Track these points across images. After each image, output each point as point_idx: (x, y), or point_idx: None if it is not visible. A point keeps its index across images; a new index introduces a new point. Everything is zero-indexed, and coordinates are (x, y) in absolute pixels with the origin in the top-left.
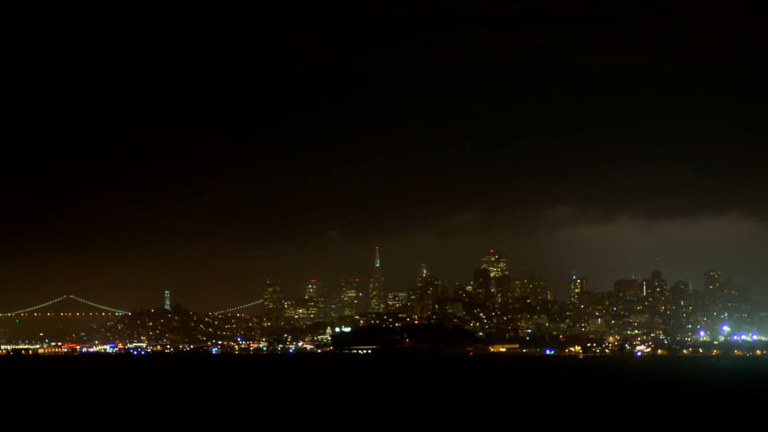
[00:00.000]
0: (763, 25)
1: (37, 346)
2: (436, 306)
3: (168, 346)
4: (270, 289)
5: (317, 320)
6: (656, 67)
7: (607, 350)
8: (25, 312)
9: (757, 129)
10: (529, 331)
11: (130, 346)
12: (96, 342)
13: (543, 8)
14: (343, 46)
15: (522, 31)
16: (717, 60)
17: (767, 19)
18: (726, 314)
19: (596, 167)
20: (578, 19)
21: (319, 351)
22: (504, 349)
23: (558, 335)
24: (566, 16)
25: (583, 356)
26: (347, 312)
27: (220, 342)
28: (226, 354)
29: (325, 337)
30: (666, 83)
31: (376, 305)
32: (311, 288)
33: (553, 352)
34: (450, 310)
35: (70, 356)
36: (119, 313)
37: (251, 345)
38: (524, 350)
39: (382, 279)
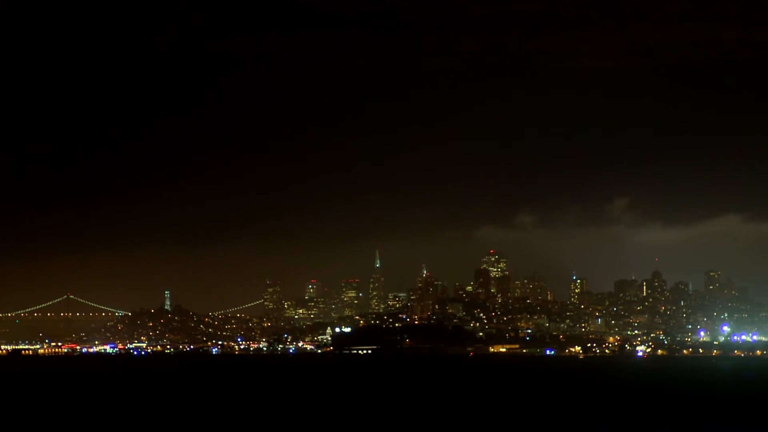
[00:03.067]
0: (722, 28)
1: (37, 346)
2: (436, 306)
3: (168, 347)
4: (270, 290)
5: (317, 320)
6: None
7: (607, 350)
8: (25, 312)
9: (737, 130)
10: (529, 331)
11: (130, 346)
12: (96, 342)
13: (504, 12)
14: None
15: (484, 34)
16: (676, 64)
17: (725, 22)
18: (726, 314)
19: (595, 167)
20: (539, 24)
21: (319, 351)
22: (504, 350)
23: (558, 335)
24: (528, 21)
25: (583, 356)
26: (347, 312)
27: (220, 342)
28: (226, 354)
29: (325, 337)
30: (632, 86)
31: (376, 305)
32: (311, 288)
33: (553, 352)
34: (450, 311)
35: (70, 356)
36: (119, 313)
37: (251, 345)
38: (524, 350)
39: (382, 279)
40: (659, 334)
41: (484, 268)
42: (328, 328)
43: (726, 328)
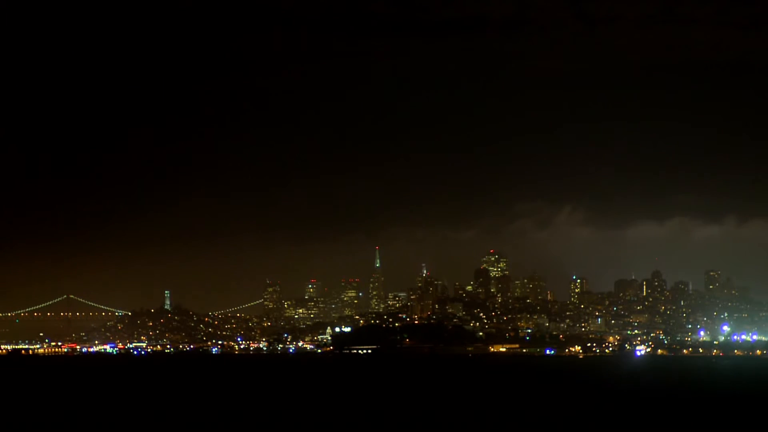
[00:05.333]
0: (693, 30)
1: (37, 346)
2: (436, 306)
3: (168, 346)
4: (270, 289)
5: (317, 320)
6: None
7: (607, 350)
8: (25, 312)
9: (732, 130)
10: (529, 331)
11: (130, 346)
12: (96, 342)
13: (476, 15)
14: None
15: (456, 37)
16: (649, 66)
17: (696, 24)
18: (726, 314)
19: (594, 168)
20: (512, 27)
21: (319, 351)
22: (504, 349)
23: (558, 335)
24: (500, 24)
25: (583, 356)
26: (347, 312)
27: (220, 342)
28: (226, 354)
29: (325, 337)
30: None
31: (376, 305)
32: (311, 288)
33: (553, 352)
34: (450, 310)
35: (70, 356)
36: (119, 313)
37: (251, 345)
38: (524, 350)
39: (382, 279)
40: (659, 333)
41: (484, 267)
42: (328, 327)
43: (726, 328)
